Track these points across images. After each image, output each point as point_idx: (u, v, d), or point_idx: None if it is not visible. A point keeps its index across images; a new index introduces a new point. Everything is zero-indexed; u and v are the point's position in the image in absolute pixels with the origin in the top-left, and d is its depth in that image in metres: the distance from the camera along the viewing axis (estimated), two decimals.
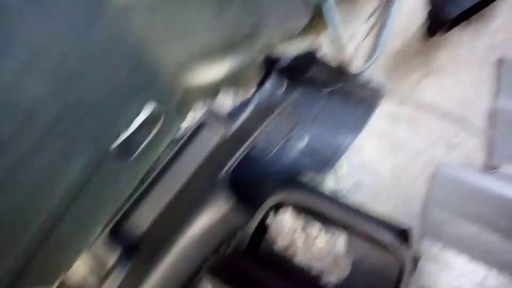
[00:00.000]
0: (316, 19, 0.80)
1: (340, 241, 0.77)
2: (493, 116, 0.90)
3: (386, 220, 0.79)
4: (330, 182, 0.90)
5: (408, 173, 0.88)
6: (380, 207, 0.84)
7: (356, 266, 0.74)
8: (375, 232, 0.73)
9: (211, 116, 0.82)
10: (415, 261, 0.71)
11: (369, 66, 0.96)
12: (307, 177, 0.89)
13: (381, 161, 0.91)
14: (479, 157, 0.87)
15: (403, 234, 0.75)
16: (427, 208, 0.83)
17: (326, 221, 0.78)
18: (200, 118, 0.81)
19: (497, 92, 0.92)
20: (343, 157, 0.90)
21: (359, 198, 0.87)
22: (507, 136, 0.86)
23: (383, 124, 0.94)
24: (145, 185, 0.77)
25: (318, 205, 0.79)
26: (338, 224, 0.77)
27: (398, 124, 0.94)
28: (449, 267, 0.76)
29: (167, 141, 0.62)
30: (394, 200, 0.86)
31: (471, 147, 0.88)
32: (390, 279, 0.71)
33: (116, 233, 0.74)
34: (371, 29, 1.02)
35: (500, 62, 0.95)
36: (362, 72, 0.97)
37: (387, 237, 0.71)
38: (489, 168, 0.85)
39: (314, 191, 0.88)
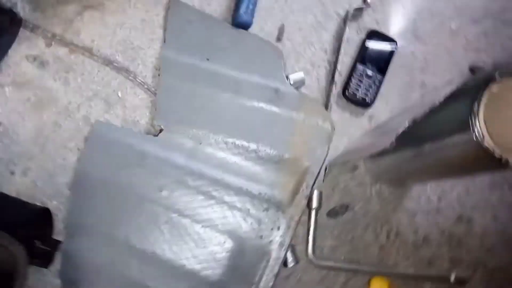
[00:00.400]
0: None
1: None
2: (159, 69, 0.76)
3: (15, 201, 0.66)
4: None
5: (58, 135, 0.72)
6: (16, 181, 0.69)
7: None
8: None
9: None
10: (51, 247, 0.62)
11: None
12: None
13: (21, 120, 0.72)
14: (142, 116, 0.76)
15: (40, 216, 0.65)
16: (78, 178, 0.70)
17: None
18: None
19: (165, 39, 0.76)
20: None
21: None
22: (172, 93, 0.74)
23: (25, 70, 0.73)
24: None
25: None
26: None
27: (45, 71, 0.73)
28: None
29: None
30: (36, 170, 0.71)
31: (135, 104, 0.76)
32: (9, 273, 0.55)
33: None
34: None
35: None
36: None
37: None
38: (153, 129, 0.75)
39: None
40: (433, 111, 0.65)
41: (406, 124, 0.58)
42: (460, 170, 0.62)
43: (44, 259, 0.64)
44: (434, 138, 0.62)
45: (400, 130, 0.59)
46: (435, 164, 0.65)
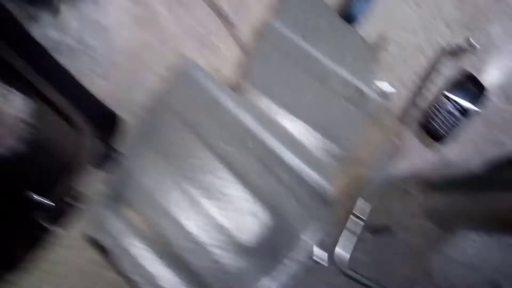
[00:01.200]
0: None
1: (18, 103, 0.59)
2: (261, 33, 0.76)
3: (92, 97, 0.67)
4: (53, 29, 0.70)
5: (148, 56, 0.74)
6: (96, 81, 0.71)
7: (35, 137, 0.58)
8: (66, 105, 0.59)
9: None
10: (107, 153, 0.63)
11: None
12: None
13: (121, 28, 0.74)
14: (226, 67, 0.78)
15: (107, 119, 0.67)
16: (157, 101, 0.71)
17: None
18: None
19: (277, 9, 0.78)
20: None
21: (82, 63, 0.72)
22: (265, 60, 0.76)
23: None
24: None
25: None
26: (22, 82, 0.58)
27: None
28: None
29: None
30: (117, 79, 0.73)
31: (223, 53, 0.78)
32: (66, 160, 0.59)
33: None
34: None
35: None
36: None
37: (78, 116, 0.59)
38: (236, 86, 0.76)
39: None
40: None
41: (480, 167, 0.57)
42: None
43: (99, 160, 0.65)
44: None
45: (472, 170, 0.58)
46: (503, 215, 0.63)
